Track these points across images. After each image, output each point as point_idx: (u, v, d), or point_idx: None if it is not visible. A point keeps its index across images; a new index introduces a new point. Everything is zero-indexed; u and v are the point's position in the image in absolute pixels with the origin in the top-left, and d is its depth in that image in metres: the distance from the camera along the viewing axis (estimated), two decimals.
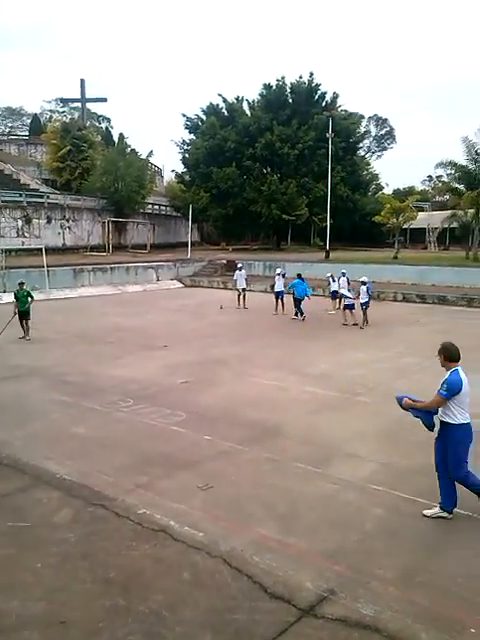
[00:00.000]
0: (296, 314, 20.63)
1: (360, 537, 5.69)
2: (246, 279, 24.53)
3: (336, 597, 4.66)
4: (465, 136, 37.27)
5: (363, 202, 55.26)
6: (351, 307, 19.23)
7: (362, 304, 18.66)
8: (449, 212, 42.99)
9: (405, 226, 48.17)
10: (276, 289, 22.05)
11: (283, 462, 7.63)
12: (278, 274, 22.41)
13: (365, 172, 62.14)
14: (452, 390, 5.87)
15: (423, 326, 19.34)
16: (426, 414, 6.29)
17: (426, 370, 12.62)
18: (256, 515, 6.14)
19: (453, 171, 39.44)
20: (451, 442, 5.99)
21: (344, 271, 21.22)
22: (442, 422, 6.07)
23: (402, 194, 55.90)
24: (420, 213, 49.42)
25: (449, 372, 6.01)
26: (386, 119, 77.37)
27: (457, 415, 5.93)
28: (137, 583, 4.90)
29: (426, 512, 6.16)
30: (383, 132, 78.04)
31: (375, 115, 76.38)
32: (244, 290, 23.75)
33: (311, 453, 7.93)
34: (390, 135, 78.24)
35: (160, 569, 5.12)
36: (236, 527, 5.91)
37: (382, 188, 68.38)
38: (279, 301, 21.87)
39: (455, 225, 44.68)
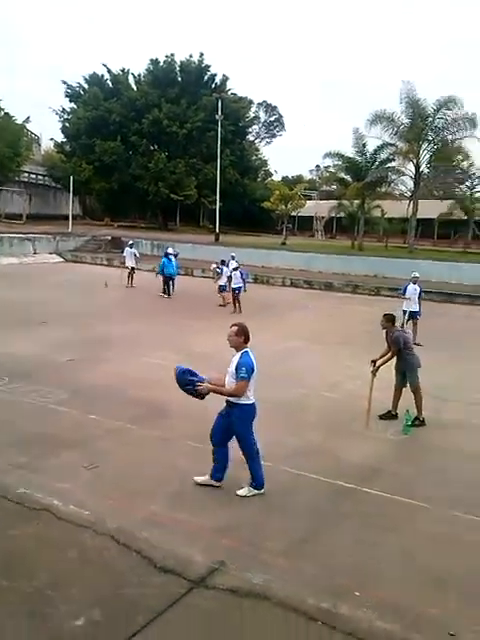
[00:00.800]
0: (163, 291, 21.03)
1: (251, 512, 5.68)
2: (137, 257, 23.92)
3: (226, 568, 4.63)
4: (356, 127, 38.50)
5: (252, 187, 55.96)
6: (224, 289, 19.62)
7: (235, 289, 18.75)
8: (336, 202, 44.83)
9: (293, 213, 49.51)
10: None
11: (173, 440, 7.46)
12: (170, 254, 22.00)
13: (254, 157, 62.86)
14: (249, 371, 5.84)
15: (310, 311, 19.93)
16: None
17: (312, 352, 13.03)
18: (145, 493, 5.94)
19: (340, 162, 40.92)
20: (240, 421, 5.99)
21: (233, 254, 21.37)
22: (232, 403, 6.02)
23: (291, 182, 57.41)
24: (308, 201, 51.00)
25: (241, 354, 5.99)
26: (276, 106, 78.28)
27: (249, 395, 5.95)
28: (20, 563, 4.63)
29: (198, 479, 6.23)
30: (272, 119, 78.88)
31: (265, 101, 76.92)
32: (133, 268, 23.15)
33: (200, 431, 7.70)
34: (279, 122, 79.32)
35: (44, 548, 4.87)
36: (124, 505, 5.68)
37: (271, 175, 69.69)
38: (170, 282, 21.56)
39: (342, 214, 46.67)
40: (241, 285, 18.56)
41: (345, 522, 5.60)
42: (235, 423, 6.00)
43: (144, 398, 9.07)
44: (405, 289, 15.04)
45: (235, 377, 5.88)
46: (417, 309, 14.65)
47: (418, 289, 14.78)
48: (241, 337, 6.08)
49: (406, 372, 8.59)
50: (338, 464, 6.93)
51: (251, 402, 5.97)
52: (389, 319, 8.69)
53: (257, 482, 6.07)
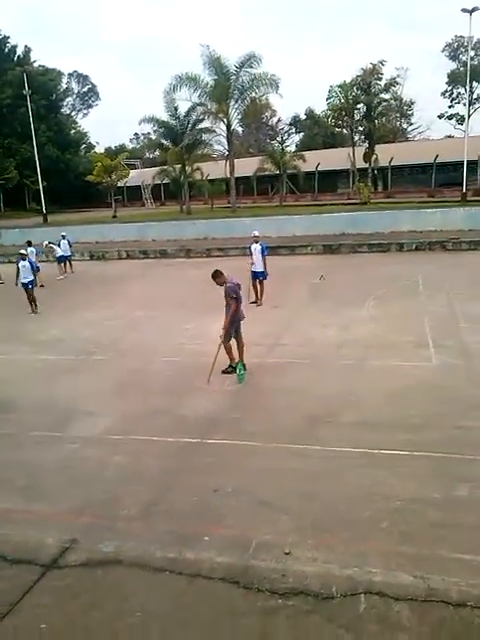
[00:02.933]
0: None
1: (104, 487, 5.92)
2: None
3: (78, 545, 4.86)
4: (166, 90, 38.30)
5: (75, 162, 54.10)
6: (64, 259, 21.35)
7: (60, 257, 19.33)
8: (159, 168, 44.76)
9: (120, 184, 48.66)
10: None
11: (19, 434, 7.42)
12: None
13: (73, 131, 60.52)
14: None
15: (148, 279, 20.15)
16: None
17: (156, 321, 13.35)
18: None
19: (157, 127, 40.78)
20: None
21: (64, 234, 21.10)
22: None
23: (114, 153, 56.06)
24: (133, 171, 50.40)
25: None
26: (87, 76, 75.62)
27: None
28: None
29: None
30: (86, 89, 76.24)
31: (75, 72, 73.94)
32: None
33: (49, 420, 7.83)
34: (93, 92, 76.87)
35: None
36: None
37: (93, 147, 67.55)
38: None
39: (166, 180, 46.77)
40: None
41: (192, 476, 6.06)
42: None
43: None
44: (250, 249, 14.68)
45: None
46: (261, 269, 14.18)
47: (258, 248, 14.33)
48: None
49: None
50: (183, 422, 7.41)
51: None
52: (216, 274, 9.04)
53: None
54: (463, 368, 8.83)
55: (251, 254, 14.54)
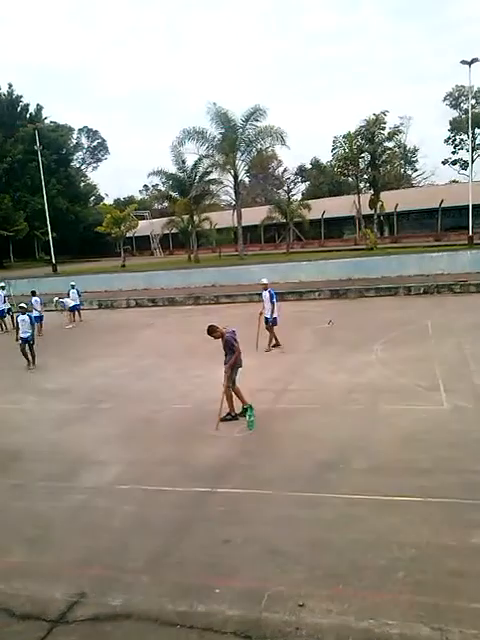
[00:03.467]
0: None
1: (112, 537, 5.84)
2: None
3: (86, 599, 4.77)
4: (174, 143, 39.56)
5: (85, 213, 55.46)
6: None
7: (72, 308, 19.35)
8: (168, 218, 45.71)
9: (129, 235, 49.61)
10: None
11: (28, 484, 7.37)
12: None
13: (83, 184, 62.27)
14: None
15: (156, 328, 20.27)
16: None
17: (165, 368, 13.38)
18: (2, 544, 5.84)
19: (165, 179, 41.88)
20: None
21: (73, 283, 21.51)
22: None
23: (122, 204, 57.41)
24: (142, 221, 51.50)
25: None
26: (97, 131, 78.47)
27: None
28: None
29: None
30: (96, 143, 78.92)
31: (85, 127, 76.85)
32: None
33: (57, 469, 7.79)
34: (103, 146, 79.54)
35: None
36: None
37: (102, 199, 69.37)
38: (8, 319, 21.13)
39: (175, 230, 47.69)
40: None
41: (202, 526, 5.96)
42: None
43: None
44: (261, 296, 14.82)
45: None
46: (268, 316, 14.33)
47: (266, 295, 14.50)
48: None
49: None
50: (192, 471, 7.33)
51: None
52: (211, 330, 9.30)
53: None
54: (475, 411, 8.73)
55: (263, 301, 14.71)
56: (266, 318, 14.48)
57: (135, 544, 5.67)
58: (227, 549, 5.43)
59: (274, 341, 14.49)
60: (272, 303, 14.44)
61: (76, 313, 22.28)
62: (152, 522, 6.11)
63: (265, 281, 15.02)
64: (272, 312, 14.42)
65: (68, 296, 22.10)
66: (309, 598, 4.54)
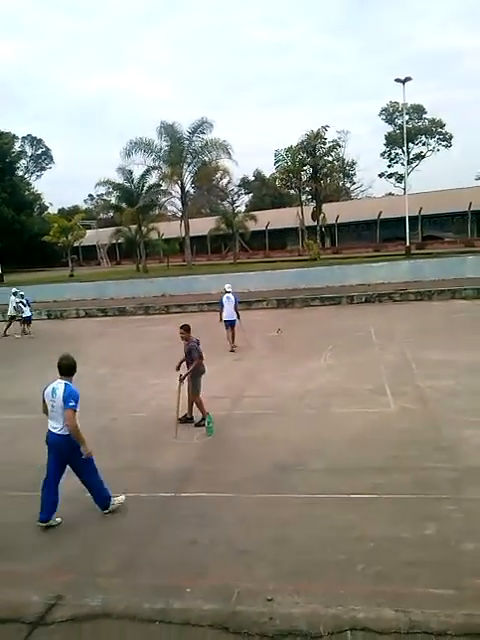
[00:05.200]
0: None
1: (81, 544, 5.92)
2: None
3: (64, 601, 4.86)
4: (122, 154, 39.36)
5: (30, 222, 54.34)
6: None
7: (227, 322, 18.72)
8: (115, 228, 45.38)
9: (76, 244, 48.93)
10: None
11: None
12: None
13: (27, 192, 60.93)
14: (77, 400, 6.29)
15: (109, 337, 20.16)
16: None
17: (121, 377, 13.39)
18: None
19: (112, 189, 41.66)
20: (75, 451, 6.21)
21: (16, 291, 22.12)
22: (59, 435, 6.22)
23: (68, 213, 56.63)
24: (88, 231, 50.89)
25: (66, 384, 6.49)
26: (41, 139, 77.05)
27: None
28: None
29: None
30: (40, 152, 77.48)
31: (29, 135, 75.33)
32: None
33: (19, 479, 7.72)
34: (47, 155, 78.16)
35: None
36: None
37: (47, 208, 68.06)
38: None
39: (122, 240, 47.37)
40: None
41: (168, 529, 6.12)
42: (72, 455, 6.23)
43: None
44: (220, 302, 15.81)
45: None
46: (234, 318, 15.44)
47: (232, 298, 15.51)
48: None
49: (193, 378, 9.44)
50: (155, 477, 7.48)
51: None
52: (185, 328, 9.53)
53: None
54: (420, 412, 9.27)
55: (222, 306, 15.63)
56: (228, 321, 15.51)
57: (104, 549, 5.78)
58: (194, 550, 5.61)
59: (234, 342, 15.44)
60: (235, 306, 15.57)
61: (25, 323, 21.90)
62: (119, 528, 6.22)
63: (229, 287, 16.12)
64: (234, 314, 15.46)
65: (25, 305, 21.85)
66: (277, 593, 4.77)
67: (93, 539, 6.02)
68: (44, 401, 6.44)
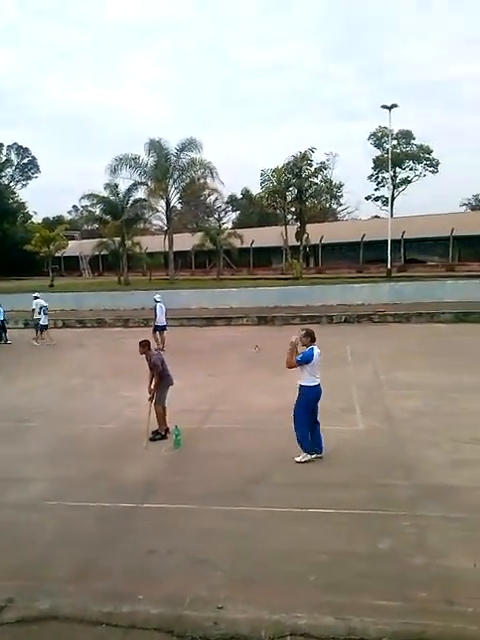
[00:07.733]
0: None
1: (37, 550, 5.94)
2: None
3: (14, 604, 4.90)
4: (107, 169, 39.75)
5: (13, 231, 54.16)
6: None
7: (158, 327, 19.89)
8: (98, 240, 45.48)
9: (58, 254, 48.88)
10: None
11: None
12: None
13: (11, 201, 60.83)
14: (305, 358, 8.35)
15: (85, 349, 20.15)
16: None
17: (93, 388, 13.41)
18: None
19: (97, 202, 41.84)
20: (298, 399, 8.40)
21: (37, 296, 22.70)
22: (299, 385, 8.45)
23: (51, 223, 56.60)
24: (71, 241, 50.93)
25: (306, 348, 8.47)
26: (27, 148, 77.18)
27: (306, 379, 8.41)
28: None
29: (297, 459, 8.09)
30: (26, 161, 77.56)
31: (15, 144, 75.44)
32: None
33: None
34: (33, 164, 78.24)
35: None
36: None
37: (31, 217, 67.92)
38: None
39: (105, 252, 47.43)
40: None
41: (128, 539, 6.15)
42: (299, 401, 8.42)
43: None
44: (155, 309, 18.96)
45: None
46: (164, 323, 18.87)
47: (164, 307, 18.99)
48: (307, 338, 8.71)
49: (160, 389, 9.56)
50: (120, 487, 7.50)
51: (306, 384, 8.49)
52: (143, 344, 9.63)
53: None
54: (387, 431, 9.45)
55: (156, 312, 18.78)
56: (160, 326, 18.57)
57: (61, 556, 5.80)
58: (152, 559, 5.66)
59: (163, 345, 17.89)
60: (165, 313, 18.93)
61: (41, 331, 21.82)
62: (77, 536, 6.25)
63: (159, 297, 19.29)
64: (165, 321, 18.75)
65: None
66: (228, 601, 4.85)
67: (50, 546, 6.04)
68: None
